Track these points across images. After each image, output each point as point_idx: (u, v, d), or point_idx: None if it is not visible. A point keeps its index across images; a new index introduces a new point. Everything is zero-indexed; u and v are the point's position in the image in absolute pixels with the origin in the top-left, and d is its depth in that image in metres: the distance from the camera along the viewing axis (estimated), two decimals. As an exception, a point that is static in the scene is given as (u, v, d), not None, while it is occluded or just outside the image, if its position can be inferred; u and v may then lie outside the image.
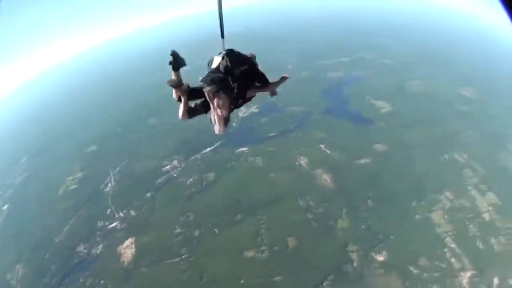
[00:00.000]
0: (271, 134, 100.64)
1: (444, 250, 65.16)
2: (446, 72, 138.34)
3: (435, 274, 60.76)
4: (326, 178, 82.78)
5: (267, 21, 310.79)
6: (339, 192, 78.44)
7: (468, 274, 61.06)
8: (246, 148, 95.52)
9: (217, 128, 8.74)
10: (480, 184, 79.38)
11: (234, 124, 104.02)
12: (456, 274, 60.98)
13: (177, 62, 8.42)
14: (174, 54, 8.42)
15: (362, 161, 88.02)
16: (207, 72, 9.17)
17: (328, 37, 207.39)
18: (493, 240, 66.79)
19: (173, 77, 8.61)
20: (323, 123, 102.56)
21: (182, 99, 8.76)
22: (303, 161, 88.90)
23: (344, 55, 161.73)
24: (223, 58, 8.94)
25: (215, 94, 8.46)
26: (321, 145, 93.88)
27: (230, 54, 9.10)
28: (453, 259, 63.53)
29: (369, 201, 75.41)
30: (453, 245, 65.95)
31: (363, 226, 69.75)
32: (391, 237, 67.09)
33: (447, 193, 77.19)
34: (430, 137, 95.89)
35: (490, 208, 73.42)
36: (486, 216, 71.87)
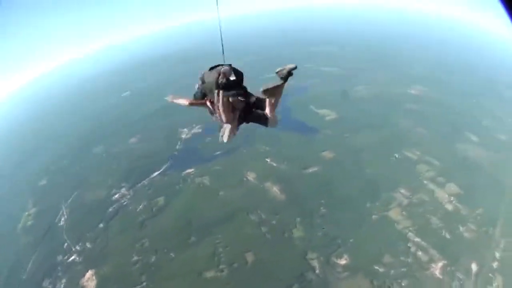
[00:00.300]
0: (216, 153, 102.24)
1: (408, 245, 66.75)
2: (392, 74, 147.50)
3: (402, 270, 62.00)
4: (276, 190, 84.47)
5: (200, 40, 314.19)
6: (290, 202, 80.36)
7: (440, 264, 62.77)
8: (193, 169, 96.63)
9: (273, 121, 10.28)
10: (438, 177, 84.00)
11: (177, 146, 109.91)
12: (425, 267, 62.50)
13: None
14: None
15: (310, 170, 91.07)
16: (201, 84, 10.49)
17: (268, 49, 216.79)
18: (461, 229, 69.86)
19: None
20: (268, 137, 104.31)
21: (231, 124, 10.42)
22: (251, 176, 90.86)
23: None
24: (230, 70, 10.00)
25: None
26: (267, 159, 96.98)
27: (233, 69, 10.13)
28: (419, 253, 65.02)
29: (322, 208, 77.54)
30: (416, 239, 67.73)
31: (319, 233, 71.03)
32: (350, 240, 68.62)
33: (402, 190, 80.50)
34: (378, 139, 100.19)
35: (452, 198, 77.33)
36: (449, 207, 75.52)
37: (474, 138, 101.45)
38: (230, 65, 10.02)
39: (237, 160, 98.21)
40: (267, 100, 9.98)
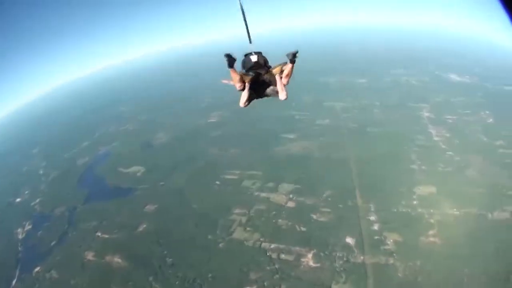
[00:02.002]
0: (52, 244, 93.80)
1: (268, 254, 68.05)
2: (188, 115, 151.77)
3: (275, 277, 62.44)
4: (118, 261, 79.38)
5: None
6: (136, 266, 75.70)
7: (309, 255, 65.64)
8: (39, 267, 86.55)
9: (283, 94, 12.39)
10: (267, 184, 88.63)
11: (19, 248, 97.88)
12: (296, 264, 64.29)
13: (230, 60, 11.47)
14: (227, 55, 11.39)
15: (141, 228, 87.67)
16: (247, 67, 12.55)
17: (64, 127, 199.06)
18: (314, 217, 75.38)
19: (232, 73, 11.86)
20: (90, 212, 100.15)
21: (246, 88, 12.15)
22: (90, 255, 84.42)
23: (86, 138, 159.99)
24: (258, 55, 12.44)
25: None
26: (97, 233, 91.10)
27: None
28: (283, 255, 66.77)
29: (167, 258, 74.78)
30: (273, 245, 69.81)
31: (177, 282, 67.90)
32: (209, 276, 67.24)
33: (237, 210, 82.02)
34: (195, 173, 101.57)
35: (291, 196, 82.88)
36: (291, 204, 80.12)
37: (291, 136, 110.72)
38: (260, 52, 12.52)
39: (71, 244, 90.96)
40: (277, 78, 12.34)
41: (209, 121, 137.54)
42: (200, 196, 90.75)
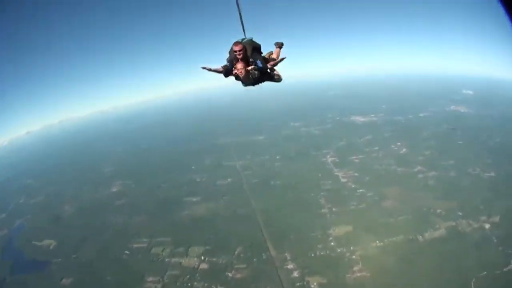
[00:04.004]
0: None
1: None
2: (90, 184, 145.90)
3: None
4: None
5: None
6: None
7: None
8: None
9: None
10: (177, 249, 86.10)
11: None
12: None
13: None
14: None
15: None
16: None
17: None
18: (230, 275, 73.58)
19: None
20: (18, 285, 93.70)
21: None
22: None
23: (2, 211, 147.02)
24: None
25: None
26: None
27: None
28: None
29: None
30: None
31: None
32: None
33: (150, 278, 78.78)
34: (103, 244, 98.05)
35: (203, 257, 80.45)
36: (204, 266, 78.08)
37: (194, 199, 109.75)
38: (251, 38, 14.36)
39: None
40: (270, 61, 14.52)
41: (112, 190, 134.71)
42: (112, 268, 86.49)
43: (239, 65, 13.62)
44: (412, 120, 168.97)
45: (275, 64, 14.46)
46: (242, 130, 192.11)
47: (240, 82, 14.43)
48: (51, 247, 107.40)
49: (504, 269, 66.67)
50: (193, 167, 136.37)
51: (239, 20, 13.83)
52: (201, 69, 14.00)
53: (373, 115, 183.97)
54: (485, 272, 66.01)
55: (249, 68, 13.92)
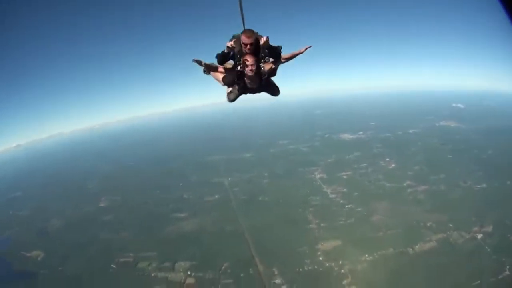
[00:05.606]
0: None
1: None
2: (76, 199, 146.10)
3: None
4: None
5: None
6: None
7: None
8: None
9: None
10: (162, 264, 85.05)
11: None
12: None
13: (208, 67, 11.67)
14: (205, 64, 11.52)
15: None
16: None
17: None
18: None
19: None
20: None
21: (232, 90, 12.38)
22: None
23: None
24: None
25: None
26: None
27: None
28: None
29: None
30: None
31: None
32: None
33: None
34: (89, 259, 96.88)
35: (189, 272, 79.49)
36: (190, 280, 76.86)
37: (182, 215, 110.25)
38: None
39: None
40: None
41: (99, 205, 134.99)
42: (98, 281, 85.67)
43: (250, 59, 10.84)
44: (401, 136, 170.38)
45: (293, 57, 12.11)
46: (230, 148, 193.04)
47: (226, 95, 12.39)
48: (39, 259, 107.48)
49: (499, 276, 66.92)
50: (180, 184, 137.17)
51: (239, 11, 11.14)
52: (192, 62, 11.06)
53: (361, 133, 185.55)
54: (479, 281, 65.52)
55: (265, 65, 11.52)
